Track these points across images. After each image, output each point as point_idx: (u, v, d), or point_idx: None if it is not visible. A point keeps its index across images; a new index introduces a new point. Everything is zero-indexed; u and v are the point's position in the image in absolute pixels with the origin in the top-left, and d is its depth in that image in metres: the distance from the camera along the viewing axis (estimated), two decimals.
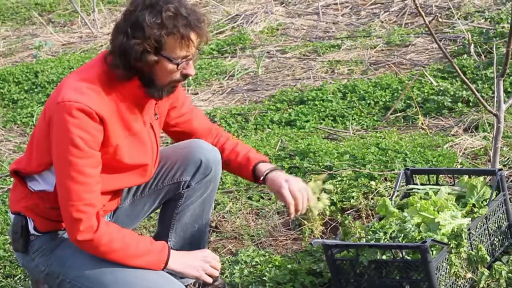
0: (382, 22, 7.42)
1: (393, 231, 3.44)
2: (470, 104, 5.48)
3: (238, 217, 4.50)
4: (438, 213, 3.53)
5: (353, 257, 3.44)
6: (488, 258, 3.50)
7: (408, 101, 5.64)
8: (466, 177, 3.84)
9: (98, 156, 3.15)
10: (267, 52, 7.12)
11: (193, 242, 3.63)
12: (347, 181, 4.55)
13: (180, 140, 3.63)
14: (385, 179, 4.55)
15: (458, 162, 4.69)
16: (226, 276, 3.91)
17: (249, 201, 4.62)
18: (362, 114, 5.69)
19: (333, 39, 7.22)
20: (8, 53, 8.34)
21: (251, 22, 7.93)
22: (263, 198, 4.64)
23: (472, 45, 6.05)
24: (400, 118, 5.56)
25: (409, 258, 3.35)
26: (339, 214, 4.25)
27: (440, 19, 7.02)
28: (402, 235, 3.44)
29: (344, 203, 4.38)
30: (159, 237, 3.63)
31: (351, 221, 3.64)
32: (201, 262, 3.32)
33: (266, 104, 6.01)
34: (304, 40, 7.36)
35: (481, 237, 3.59)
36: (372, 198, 4.36)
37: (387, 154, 4.78)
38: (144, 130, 3.30)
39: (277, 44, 7.34)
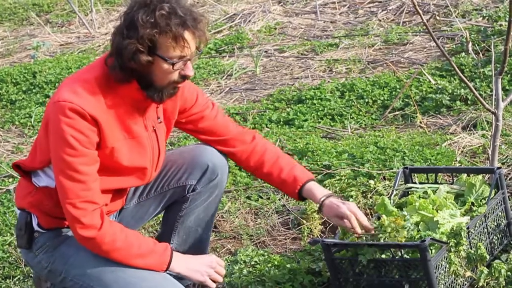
0: (380, 20, 7.41)
1: (392, 230, 3.44)
2: (469, 102, 5.48)
3: (237, 216, 4.50)
4: (437, 211, 3.52)
5: (352, 256, 3.44)
6: (487, 256, 3.50)
7: (406, 100, 5.64)
8: (465, 176, 3.84)
9: (93, 155, 3.15)
10: (265, 51, 7.12)
11: (195, 246, 3.63)
12: (346, 180, 4.54)
13: (203, 139, 3.60)
14: (384, 178, 4.55)
15: (456, 161, 4.69)
16: (225, 276, 3.90)
17: (248, 201, 4.62)
18: (361, 113, 5.69)
19: (331, 38, 7.22)
20: (6, 54, 8.33)
21: (249, 21, 7.93)
22: (262, 198, 4.64)
23: (470, 43, 6.05)
24: (399, 117, 5.56)
25: (408, 257, 3.35)
26: None
27: (437, 17, 7.02)
28: None
29: None
30: (161, 238, 3.63)
31: None
32: (207, 267, 3.32)
33: (264, 104, 6.01)
34: (302, 39, 7.36)
35: (480, 235, 3.59)
36: (371, 197, 4.37)
37: (386, 153, 4.78)
38: (145, 134, 3.30)
39: (275, 43, 7.34)
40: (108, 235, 3.15)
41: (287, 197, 4.56)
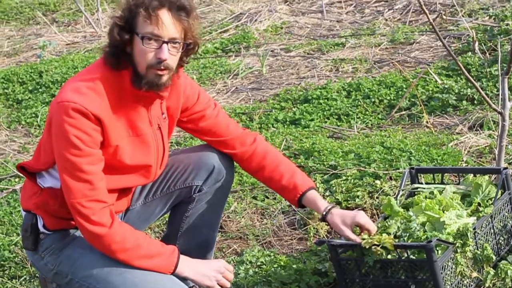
0: (386, 20, 7.41)
1: (398, 230, 3.44)
2: (475, 102, 5.47)
3: (243, 217, 4.50)
4: (443, 212, 3.52)
5: (358, 257, 3.44)
6: (494, 257, 3.49)
7: (413, 99, 5.63)
8: (471, 176, 3.83)
9: (97, 154, 3.15)
10: (271, 51, 7.12)
11: (201, 246, 3.63)
12: (352, 180, 4.54)
13: (203, 139, 3.60)
14: (390, 178, 4.54)
15: (463, 161, 4.68)
16: None
17: (254, 201, 4.62)
18: (367, 112, 5.68)
19: (337, 37, 7.21)
20: (12, 53, 8.34)
21: (255, 20, 7.93)
22: (268, 198, 4.63)
23: (477, 43, 6.04)
24: (405, 117, 5.55)
25: (414, 257, 3.34)
26: None
27: (444, 17, 7.01)
28: (408, 234, 3.43)
29: (349, 202, 4.38)
30: (167, 239, 3.63)
31: None
32: (215, 272, 3.32)
33: (271, 103, 6.01)
34: (308, 38, 7.35)
35: (487, 236, 3.58)
36: (377, 197, 4.36)
37: (392, 153, 4.77)
38: (150, 130, 3.30)
39: (281, 43, 7.34)
40: (118, 234, 3.15)
41: None
